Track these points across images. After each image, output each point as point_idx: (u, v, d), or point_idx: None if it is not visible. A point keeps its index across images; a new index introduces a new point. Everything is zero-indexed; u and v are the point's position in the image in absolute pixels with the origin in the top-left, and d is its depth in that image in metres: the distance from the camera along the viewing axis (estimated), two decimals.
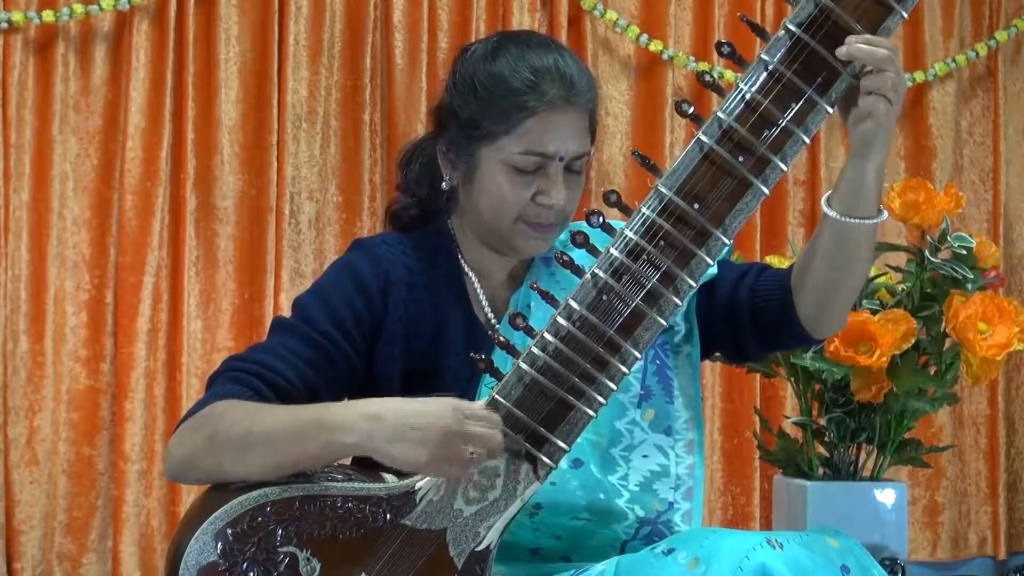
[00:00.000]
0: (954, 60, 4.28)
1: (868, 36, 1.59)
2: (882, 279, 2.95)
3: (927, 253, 2.86)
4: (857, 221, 1.70)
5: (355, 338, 1.78)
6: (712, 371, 4.07)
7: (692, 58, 4.05)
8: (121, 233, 3.71)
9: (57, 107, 3.69)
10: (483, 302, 1.85)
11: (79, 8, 3.65)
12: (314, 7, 3.87)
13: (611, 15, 4.01)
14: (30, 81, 3.68)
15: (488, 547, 1.64)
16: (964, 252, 2.86)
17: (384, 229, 1.98)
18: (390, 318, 1.80)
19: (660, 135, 4.07)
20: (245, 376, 1.71)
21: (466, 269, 1.86)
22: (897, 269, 2.96)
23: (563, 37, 3.97)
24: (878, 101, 1.61)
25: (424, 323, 1.81)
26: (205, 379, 1.79)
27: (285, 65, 3.82)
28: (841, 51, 1.59)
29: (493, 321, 1.84)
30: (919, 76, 4.24)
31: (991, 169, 4.34)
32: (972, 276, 2.84)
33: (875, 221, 1.71)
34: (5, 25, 3.63)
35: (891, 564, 2.86)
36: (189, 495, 3.52)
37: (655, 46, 4.03)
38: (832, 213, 1.71)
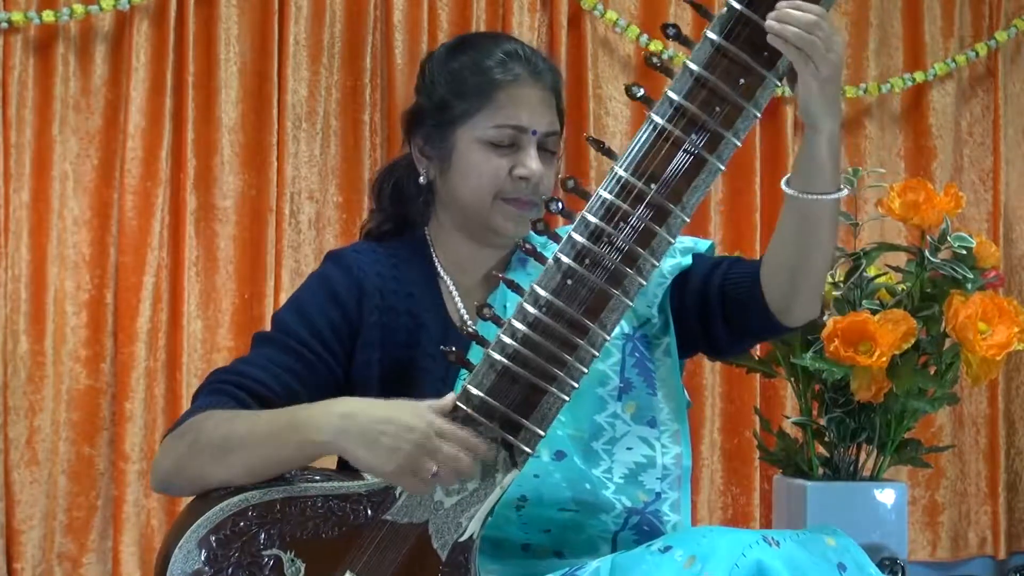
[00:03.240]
0: (954, 60, 4.28)
1: (796, 2, 1.57)
2: (882, 279, 2.95)
3: (927, 253, 2.86)
4: (815, 197, 1.69)
5: (333, 346, 1.80)
6: (712, 371, 4.07)
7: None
8: (121, 233, 3.71)
9: (57, 107, 3.69)
10: (458, 303, 1.87)
11: (79, 8, 3.65)
12: (314, 7, 3.87)
13: (611, 15, 4.01)
14: (30, 81, 3.68)
15: (471, 537, 1.65)
16: (964, 252, 2.86)
17: None
18: (366, 325, 1.82)
19: None
20: (227, 387, 1.75)
21: (441, 272, 1.89)
22: (897, 269, 2.96)
23: (563, 37, 3.98)
24: (806, 64, 1.59)
25: (400, 328, 1.83)
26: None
27: (285, 65, 3.82)
28: (770, 19, 1.57)
29: (468, 322, 1.86)
30: (919, 76, 4.24)
31: (991, 169, 4.34)
32: (972, 276, 2.84)
33: (834, 196, 1.70)
34: (5, 25, 3.63)
35: (891, 564, 2.85)
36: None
37: (655, 46, 4.03)
38: (790, 191, 1.71)
